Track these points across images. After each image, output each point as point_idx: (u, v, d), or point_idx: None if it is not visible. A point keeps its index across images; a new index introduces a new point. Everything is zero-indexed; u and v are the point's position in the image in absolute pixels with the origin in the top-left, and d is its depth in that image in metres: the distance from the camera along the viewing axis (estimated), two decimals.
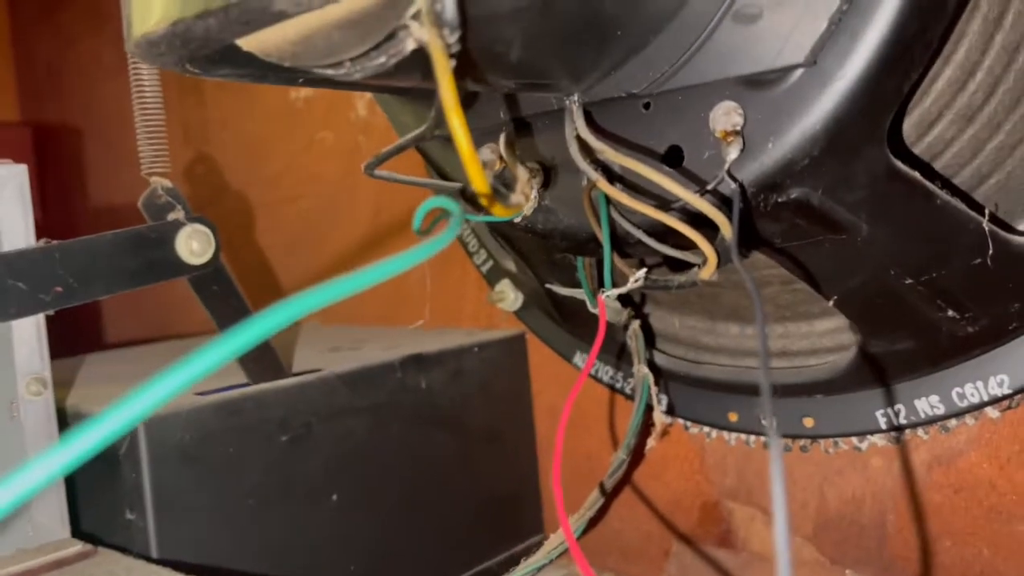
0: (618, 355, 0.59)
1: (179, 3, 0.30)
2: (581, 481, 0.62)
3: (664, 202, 0.36)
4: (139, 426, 0.44)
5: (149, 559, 0.42)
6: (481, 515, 0.64)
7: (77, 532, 0.45)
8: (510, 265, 0.63)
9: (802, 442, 0.54)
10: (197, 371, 0.20)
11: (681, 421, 0.58)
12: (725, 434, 0.57)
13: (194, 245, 0.47)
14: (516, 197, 0.35)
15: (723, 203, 0.36)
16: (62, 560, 0.42)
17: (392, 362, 0.58)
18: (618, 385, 0.61)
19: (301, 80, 0.39)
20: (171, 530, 0.45)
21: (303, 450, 0.52)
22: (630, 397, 0.61)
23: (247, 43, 0.31)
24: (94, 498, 0.46)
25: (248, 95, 0.89)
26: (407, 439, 0.58)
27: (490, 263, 0.67)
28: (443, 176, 0.49)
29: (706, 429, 0.58)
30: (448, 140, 0.46)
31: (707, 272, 0.35)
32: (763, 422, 0.54)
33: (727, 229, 0.34)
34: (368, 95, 0.76)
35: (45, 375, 0.43)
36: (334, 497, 0.53)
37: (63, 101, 1.11)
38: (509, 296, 0.65)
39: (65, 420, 0.46)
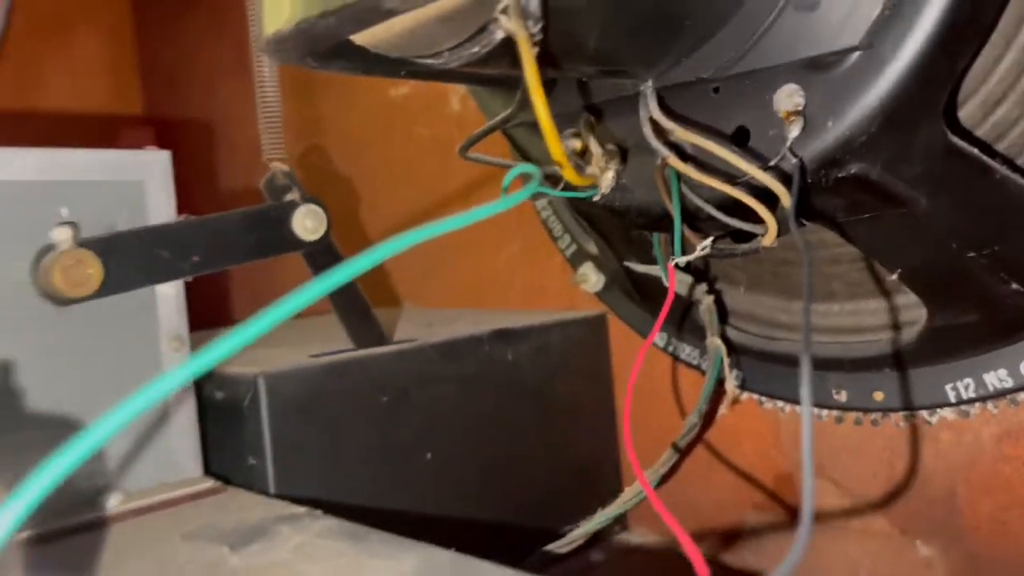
0: (694, 332, 0.62)
1: (304, 5, 0.36)
2: (655, 452, 0.65)
3: (731, 177, 0.40)
4: (260, 383, 0.50)
5: (268, 495, 0.48)
6: (561, 483, 0.68)
7: (208, 473, 0.51)
8: (592, 248, 0.66)
9: (873, 416, 0.56)
10: (294, 306, 0.24)
11: (755, 396, 0.61)
12: (798, 408, 0.59)
13: (308, 223, 0.53)
14: (591, 169, 0.39)
15: (785, 178, 0.39)
16: (198, 493, 0.49)
17: (481, 335, 0.63)
18: (694, 362, 0.64)
19: (403, 72, 0.44)
20: (286, 474, 0.51)
21: (400, 411, 0.57)
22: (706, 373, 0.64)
23: (360, 38, 0.37)
24: (222, 446, 0.53)
25: (349, 94, 0.95)
26: (494, 407, 0.63)
27: (574, 247, 0.71)
28: (527, 160, 0.53)
29: (780, 404, 0.60)
30: (531, 126, 0.51)
31: (768, 239, 0.38)
32: (835, 396, 0.56)
33: (786, 199, 0.37)
34: (462, 90, 0.81)
35: (183, 334, 0.50)
36: (428, 456, 0.58)
37: (184, 100, 1.21)
38: (591, 278, 0.69)
39: None
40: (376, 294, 0.79)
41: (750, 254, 0.41)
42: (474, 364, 0.62)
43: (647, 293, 0.62)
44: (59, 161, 0.46)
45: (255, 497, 0.48)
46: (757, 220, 0.42)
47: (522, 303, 0.78)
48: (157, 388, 0.22)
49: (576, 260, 0.71)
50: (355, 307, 0.56)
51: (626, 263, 0.56)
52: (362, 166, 0.94)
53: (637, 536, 0.72)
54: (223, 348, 0.23)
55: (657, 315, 0.65)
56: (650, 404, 0.69)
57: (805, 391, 0.27)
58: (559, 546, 0.48)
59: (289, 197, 0.53)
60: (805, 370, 0.30)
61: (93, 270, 0.44)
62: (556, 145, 0.31)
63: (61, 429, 0.44)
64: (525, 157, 0.53)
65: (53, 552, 0.40)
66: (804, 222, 0.41)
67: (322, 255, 0.54)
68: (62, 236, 0.43)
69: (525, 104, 0.36)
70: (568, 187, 0.42)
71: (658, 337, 0.66)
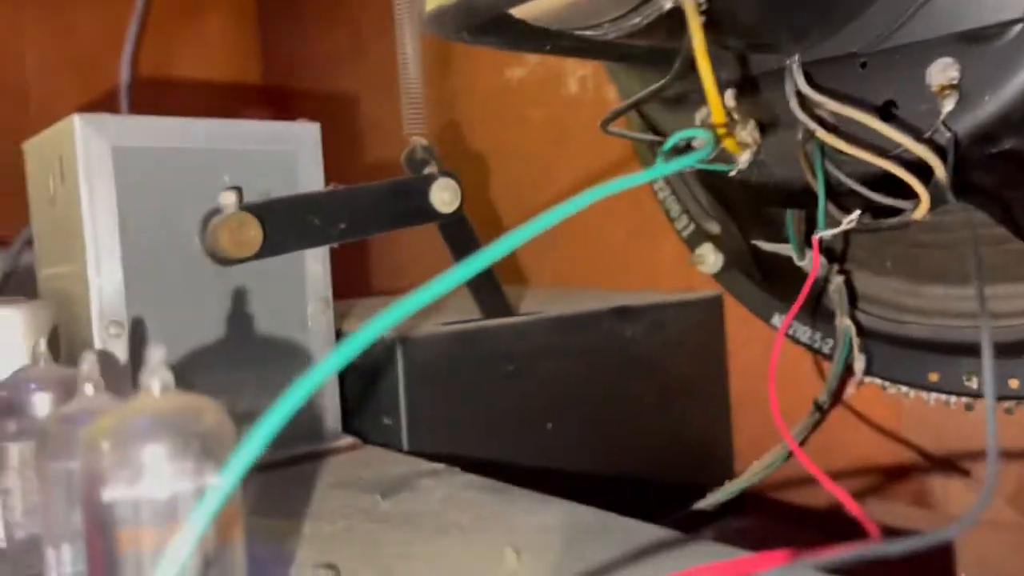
0: (815, 315, 0.62)
1: None
2: (773, 435, 0.65)
3: (881, 150, 0.40)
4: (398, 348, 0.53)
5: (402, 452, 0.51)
6: (673, 462, 0.68)
7: (347, 431, 0.54)
8: (713, 228, 0.67)
9: (1007, 404, 0.54)
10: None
11: (879, 381, 0.60)
12: (924, 394, 0.58)
13: (445, 196, 0.55)
14: (744, 137, 0.40)
15: (938, 152, 0.39)
16: (338, 448, 0.51)
17: (601, 311, 0.64)
18: (815, 345, 0.64)
19: (548, 47, 0.45)
20: (418, 434, 0.53)
21: (524, 380, 0.58)
22: (827, 356, 0.63)
23: (521, 11, 0.38)
24: (359, 406, 0.55)
25: (468, 76, 0.97)
26: (611, 382, 0.64)
27: (691, 227, 0.71)
28: (660, 136, 0.54)
29: (904, 389, 0.59)
30: (668, 101, 0.52)
31: (920, 212, 0.38)
32: (966, 383, 0.55)
33: (941, 171, 0.36)
34: (580, 72, 0.82)
35: (328, 297, 0.53)
36: (549, 425, 0.60)
37: (302, 86, 1.25)
38: (709, 259, 0.69)
39: (339, 335, 0.56)
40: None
41: (898, 228, 0.41)
42: (594, 339, 0.63)
43: (771, 274, 0.62)
44: (224, 131, 0.49)
45: (393, 454, 0.51)
46: (901, 195, 0.42)
47: (636, 283, 0.79)
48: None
49: (693, 241, 0.71)
50: (485, 280, 0.58)
51: (754, 242, 0.57)
52: (475, 146, 0.96)
53: (749, 521, 0.72)
54: (397, 312, 0.25)
55: (779, 296, 0.65)
56: (767, 387, 0.69)
57: (988, 375, 0.28)
58: (704, 504, 0.49)
59: (427, 170, 0.55)
60: (987, 355, 0.30)
61: (255, 233, 0.47)
62: (719, 108, 0.32)
63: (225, 380, 0.47)
64: (657, 134, 0.54)
65: None
66: (953, 199, 0.41)
67: (456, 227, 0.56)
68: (228, 200, 0.46)
69: (681, 74, 0.37)
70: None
71: (776, 318, 0.66)
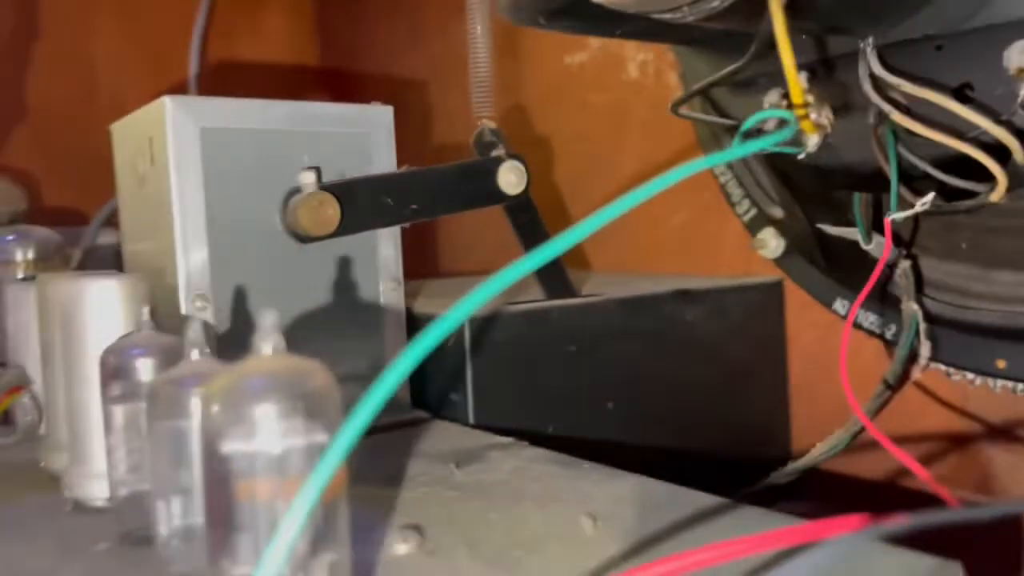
0: (882, 301, 0.62)
1: None
2: (833, 422, 0.65)
3: (957, 133, 0.40)
4: (465, 326, 0.54)
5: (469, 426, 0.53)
6: (731, 447, 0.69)
7: (415, 406, 0.56)
8: (776, 212, 0.67)
9: None
10: (510, 278, 0.27)
11: (943, 367, 0.60)
12: (990, 381, 0.58)
13: (512, 178, 0.56)
14: (819, 118, 0.40)
15: (1017, 135, 0.39)
16: (408, 421, 0.53)
17: (662, 294, 0.65)
18: (880, 331, 0.63)
19: (618, 31, 0.46)
20: (484, 409, 0.54)
21: (586, 360, 0.59)
22: (891, 343, 0.63)
23: None
24: (427, 383, 0.57)
25: (529, 62, 0.98)
26: (671, 365, 0.65)
27: (753, 212, 0.71)
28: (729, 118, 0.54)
29: (970, 376, 0.59)
30: (738, 85, 0.52)
31: (997, 194, 0.38)
32: None
33: (1020, 154, 0.37)
34: (641, 57, 0.82)
35: (399, 276, 0.54)
36: (610, 405, 0.61)
37: (362, 73, 1.28)
38: (771, 243, 0.69)
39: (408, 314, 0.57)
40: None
41: (972, 211, 0.41)
42: (654, 321, 0.64)
43: (835, 259, 0.62)
44: (302, 112, 0.51)
45: (462, 427, 0.52)
46: (975, 178, 0.42)
47: (696, 268, 0.79)
48: (449, 320, 0.25)
49: (755, 225, 0.71)
50: (550, 264, 0.59)
51: (819, 225, 0.57)
52: (538, 130, 0.97)
53: (805, 506, 0.72)
54: (484, 292, 0.26)
55: (843, 281, 0.65)
56: (826, 373, 0.69)
57: None
58: (779, 476, 0.50)
59: (495, 153, 0.56)
60: None
61: (333, 211, 0.48)
62: (798, 90, 0.33)
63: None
64: (724, 117, 0.55)
65: None
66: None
67: (521, 209, 0.57)
68: (308, 180, 0.48)
69: (757, 56, 0.37)
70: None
71: (839, 304, 0.66)
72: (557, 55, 0.93)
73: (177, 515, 0.30)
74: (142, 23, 1.13)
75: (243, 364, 0.26)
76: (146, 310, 0.35)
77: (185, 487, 0.30)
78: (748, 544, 0.25)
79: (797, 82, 0.33)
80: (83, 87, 1.08)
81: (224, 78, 1.19)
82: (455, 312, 0.27)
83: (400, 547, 0.33)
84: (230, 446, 0.24)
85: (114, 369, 0.35)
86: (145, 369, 0.34)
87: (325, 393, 0.25)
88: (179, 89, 1.14)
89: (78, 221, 0.89)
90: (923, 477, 0.29)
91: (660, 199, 0.88)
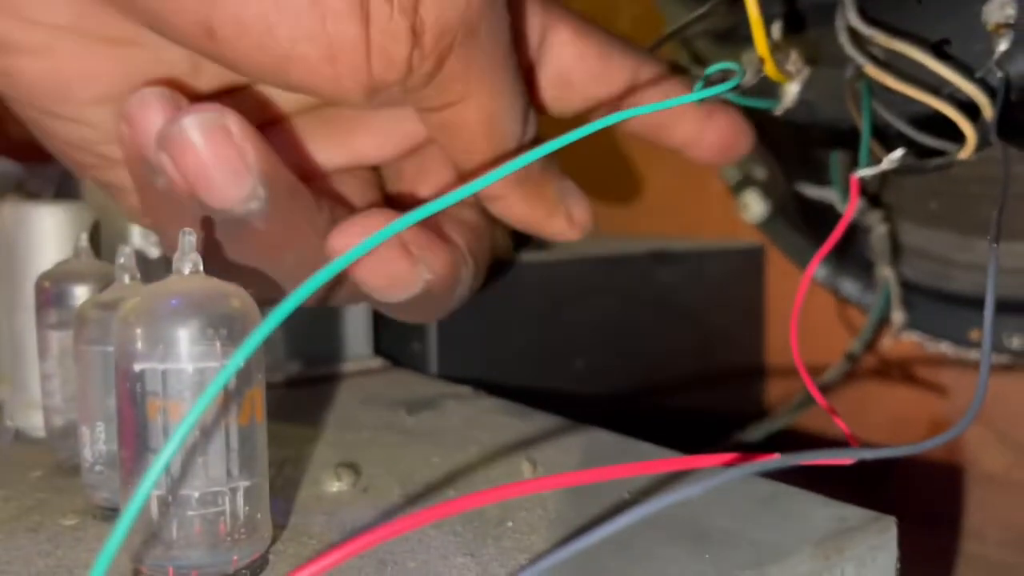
0: (858, 265, 0.61)
1: None
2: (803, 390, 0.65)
3: (933, 89, 0.38)
4: None
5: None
6: (702, 412, 0.68)
7: (377, 353, 0.55)
8: (760, 173, 0.65)
9: None
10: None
11: (918, 337, 0.59)
12: (963, 351, 0.57)
13: None
14: (790, 67, 0.39)
15: (989, 93, 0.38)
16: (370, 369, 0.52)
17: (637, 253, 0.64)
18: (855, 299, 0.63)
19: None
20: (448, 361, 0.54)
21: (556, 317, 0.59)
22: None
23: None
24: (390, 332, 0.56)
25: None
26: (644, 326, 0.64)
27: (738, 175, 0.70)
28: None
29: (943, 346, 0.58)
30: (719, 36, 0.50)
31: (965, 152, 0.37)
32: (1006, 341, 0.54)
33: (988, 110, 0.35)
34: (635, 12, 0.80)
35: None
36: (578, 364, 0.60)
37: None
38: (753, 207, 0.68)
39: None
40: None
41: (943, 169, 0.40)
42: (629, 281, 0.63)
43: (814, 221, 0.61)
44: None
45: (421, 376, 0.52)
46: (950, 138, 0.40)
47: (679, 231, 0.78)
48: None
49: (739, 188, 0.70)
50: None
51: (796, 187, 0.56)
52: None
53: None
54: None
55: (821, 245, 0.64)
56: (802, 341, 0.68)
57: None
58: (746, 436, 0.50)
59: None
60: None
61: None
62: (761, 37, 0.32)
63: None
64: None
65: None
66: (996, 138, 0.39)
67: None
68: None
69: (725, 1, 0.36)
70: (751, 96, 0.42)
71: (818, 270, 0.65)
72: None
73: (101, 440, 0.29)
74: None
75: (161, 283, 0.25)
76: (84, 236, 0.34)
77: (111, 413, 0.29)
78: (615, 471, 0.25)
79: (760, 28, 0.32)
80: None
81: None
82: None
83: (333, 484, 0.32)
84: (142, 364, 0.24)
85: (49, 295, 0.34)
86: (81, 295, 0.34)
87: (244, 316, 0.25)
88: None
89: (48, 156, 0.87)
90: (833, 417, 0.29)
91: (641, 160, 0.86)
